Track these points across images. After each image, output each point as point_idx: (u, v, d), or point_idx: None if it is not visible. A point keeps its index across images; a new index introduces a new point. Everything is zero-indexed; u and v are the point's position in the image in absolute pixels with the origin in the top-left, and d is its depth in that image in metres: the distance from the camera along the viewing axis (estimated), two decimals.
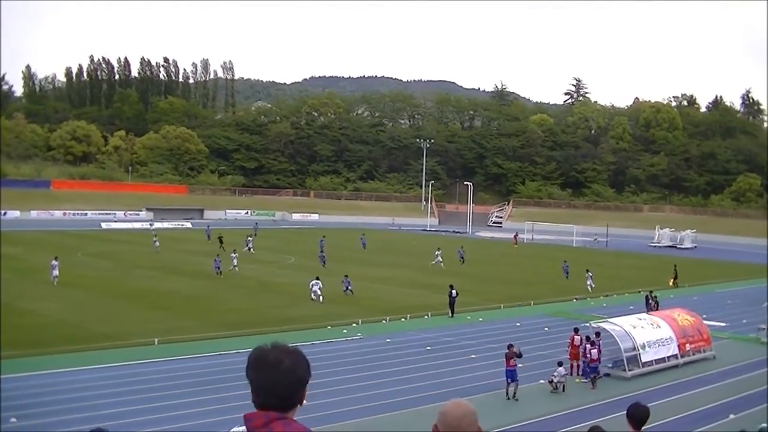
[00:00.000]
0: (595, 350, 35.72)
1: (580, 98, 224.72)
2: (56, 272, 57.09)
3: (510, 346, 33.21)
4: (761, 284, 71.26)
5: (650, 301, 53.94)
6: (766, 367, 39.10)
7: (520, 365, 32.86)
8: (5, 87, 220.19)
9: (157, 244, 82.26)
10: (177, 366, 35.79)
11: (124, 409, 28.64)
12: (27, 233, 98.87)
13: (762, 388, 34.41)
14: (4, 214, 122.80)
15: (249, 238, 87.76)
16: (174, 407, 29.35)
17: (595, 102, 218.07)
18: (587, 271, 66.70)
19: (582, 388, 34.71)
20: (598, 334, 38.15)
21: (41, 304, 49.82)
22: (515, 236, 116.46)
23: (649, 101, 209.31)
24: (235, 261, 67.52)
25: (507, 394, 32.02)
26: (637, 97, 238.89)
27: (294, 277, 65.03)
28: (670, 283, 70.17)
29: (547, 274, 74.28)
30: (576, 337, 37.21)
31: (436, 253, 79.16)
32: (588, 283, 65.54)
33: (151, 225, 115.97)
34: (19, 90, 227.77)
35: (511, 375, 32.12)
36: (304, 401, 3.95)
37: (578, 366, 36.67)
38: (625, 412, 9.64)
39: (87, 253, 79.05)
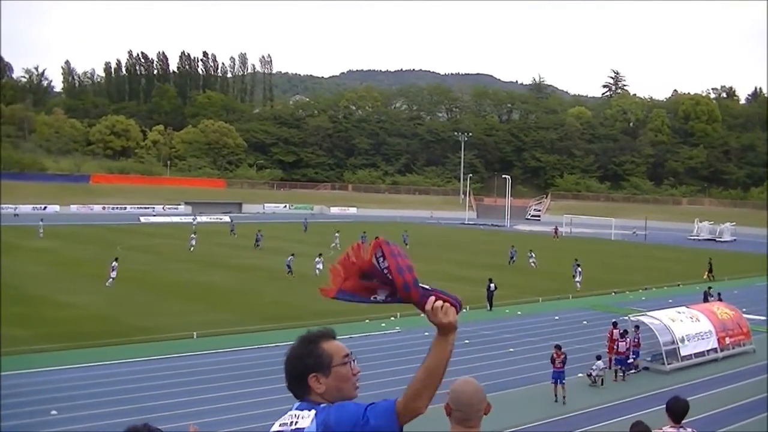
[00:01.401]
0: (623, 343, 35.56)
1: (619, 91, 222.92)
2: (114, 274, 54.90)
3: (558, 347, 32.81)
4: None
5: (709, 298, 52.60)
6: None
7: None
8: (45, 82, 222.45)
9: (193, 242, 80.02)
10: (215, 359, 35.99)
11: (163, 402, 28.82)
12: (66, 227, 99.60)
13: None
14: (44, 208, 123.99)
15: (336, 234, 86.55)
16: (213, 400, 29.52)
17: (634, 94, 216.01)
18: (577, 265, 64.09)
19: (620, 382, 34.61)
20: (637, 327, 38.02)
21: (80, 297, 50.26)
22: (555, 229, 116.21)
23: (688, 93, 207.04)
24: (320, 265, 62.93)
25: (555, 396, 31.46)
26: (675, 90, 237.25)
27: None
28: (705, 276, 69.70)
29: (587, 267, 74.04)
30: (614, 331, 36.95)
31: (529, 255, 76.44)
32: (576, 279, 62.57)
33: (194, 220, 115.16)
34: (58, 85, 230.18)
35: (558, 376, 31.68)
36: (319, 391, 4.04)
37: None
38: (665, 405, 9.61)
39: (125, 247, 79.44)
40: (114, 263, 55.73)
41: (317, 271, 62.92)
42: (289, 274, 62.70)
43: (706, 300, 51.75)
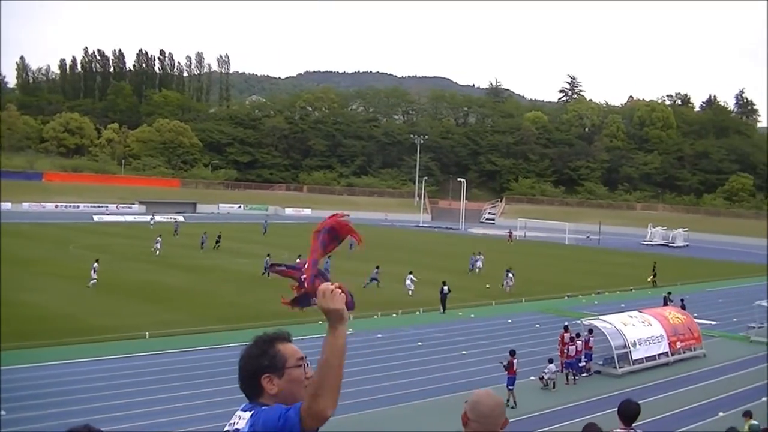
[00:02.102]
0: (573, 347, 35.80)
1: (575, 96, 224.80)
2: (95, 275, 53.69)
3: (512, 353, 32.89)
4: (752, 283, 71.71)
5: (668, 302, 52.76)
6: (754, 365, 39.32)
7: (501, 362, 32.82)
8: None
9: (158, 245, 75.68)
10: (168, 360, 35.78)
11: (113, 403, 28.58)
12: (19, 225, 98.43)
13: (751, 387, 34.59)
14: None
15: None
16: (164, 401, 29.36)
17: (590, 100, 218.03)
18: (507, 271, 63.14)
19: (572, 386, 34.81)
20: (590, 331, 38.31)
21: (32, 295, 49.66)
22: (509, 233, 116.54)
23: (644, 100, 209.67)
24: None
25: (510, 401, 31.03)
26: (631, 96, 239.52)
27: None
28: (649, 281, 70.15)
29: (539, 271, 74.30)
30: (566, 334, 37.14)
31: (477, 258, 74.15)
32: (505, 282, 61.94)
33: (152, 221, 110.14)
34: (12, 81, 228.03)
35: (508, 381, 31.76)
36: (272, 392, 4.03)
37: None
38: (616, 409, 9.68)
39: (79, 245, 78.76)
40: (95, 264, 54.63)
41: None
42: (264, 274, 61.72)
43: (665, 304, 51.99)
